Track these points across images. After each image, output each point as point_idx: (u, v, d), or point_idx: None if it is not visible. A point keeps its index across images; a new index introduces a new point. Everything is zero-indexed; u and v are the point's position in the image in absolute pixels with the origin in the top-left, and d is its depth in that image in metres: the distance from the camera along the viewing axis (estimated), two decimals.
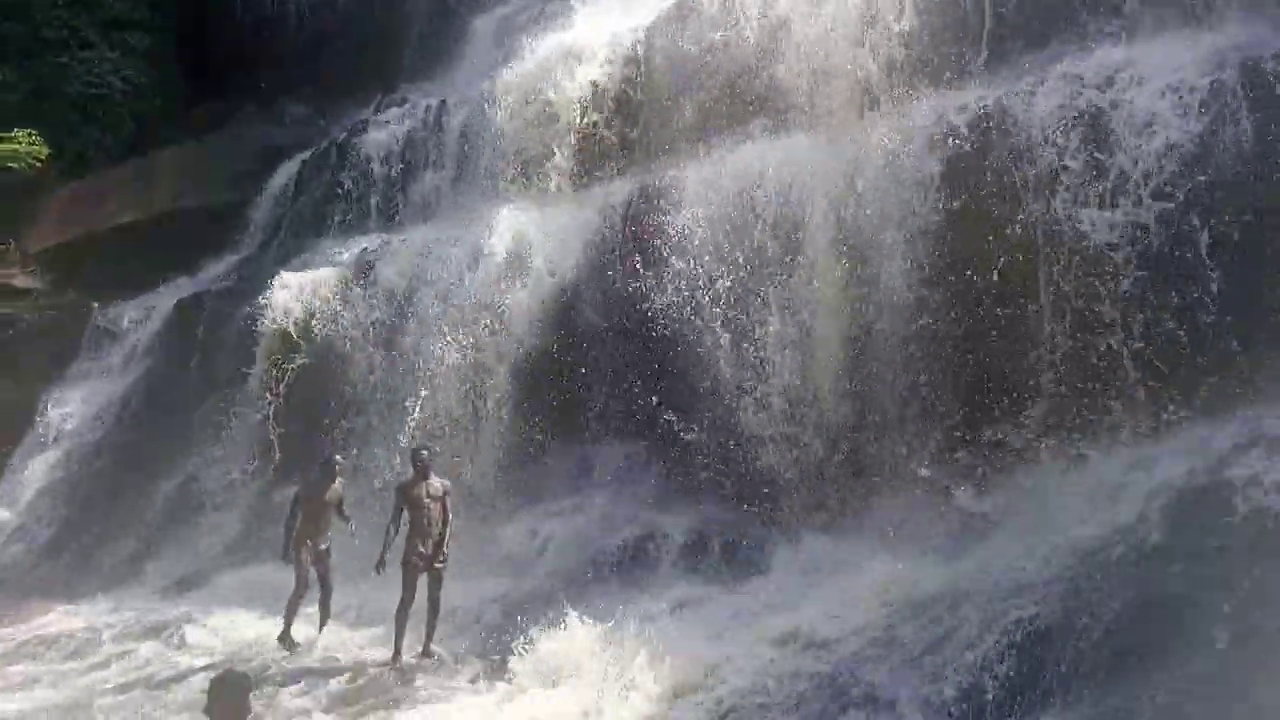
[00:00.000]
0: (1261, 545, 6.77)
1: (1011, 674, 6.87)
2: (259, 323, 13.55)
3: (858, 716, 7.01)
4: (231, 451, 13.60)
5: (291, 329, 13.55)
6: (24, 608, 12.04)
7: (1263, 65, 8.73)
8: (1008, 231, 9.41)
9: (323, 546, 9.61)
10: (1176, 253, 8.58)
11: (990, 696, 6.79)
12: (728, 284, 10.68)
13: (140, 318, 16.26)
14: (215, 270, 16.87)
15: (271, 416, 13.37)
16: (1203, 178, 8.58)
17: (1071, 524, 8.09)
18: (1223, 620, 6.37)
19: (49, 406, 15.79)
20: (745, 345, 10.53)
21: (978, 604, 7.61)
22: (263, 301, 13.65)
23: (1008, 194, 9.46)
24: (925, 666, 7.20)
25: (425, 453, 9.28)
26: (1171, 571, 6.97)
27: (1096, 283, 8.90)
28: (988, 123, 9.77)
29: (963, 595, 7.84)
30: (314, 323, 13.36)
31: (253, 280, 14.93)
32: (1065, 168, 9.17)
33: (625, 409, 11.35)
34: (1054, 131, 9.27)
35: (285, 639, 9.49)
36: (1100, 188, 9.05)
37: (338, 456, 10.02)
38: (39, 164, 17.99)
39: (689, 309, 10.91)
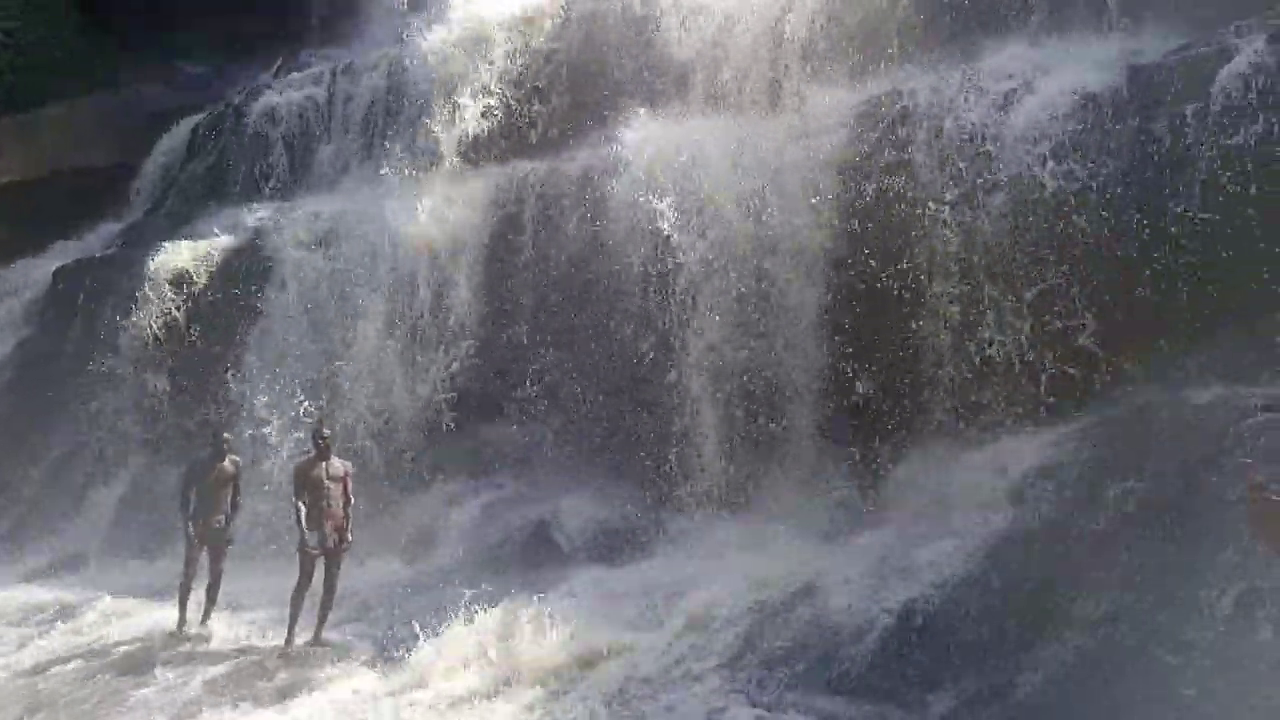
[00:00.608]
0: (1134, 530, 7.15)
1: (898, 656, 7.15)
2: (141, 292, 12.90)
3: (744, 694, 7.15)
4: (111, 426, 13.02)
5: (175, 300, 12.99)
6: None
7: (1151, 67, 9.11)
8: (910, 222, 9.62)
9: (215, 527, 9.27)
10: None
11: (875, 677, 7.02)
12: (638, 262, 10.63)
13: (17, 285, 15.35)
14: (98, 236, 16.02)
15: (155, 391, 12.83)
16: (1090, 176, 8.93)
17: (964, 506, 8.43)
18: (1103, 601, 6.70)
19: None
20: (653, 324, 10.55)
21: (867, 586, 7.86)
22: (147, 269, 13.01)
23: (911, 185, 9.67)
24: (815, 648, 7.39)
25: (326, 432, 8.97)
26: (1054, 554, 7.27)
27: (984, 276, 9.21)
28: (897, 112, 10.00)
29: (855, 576, 8.08)
30: (199, 293, 12.79)
31: (137, 247, 14.22)
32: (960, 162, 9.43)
33: (529, 389, 11.25)
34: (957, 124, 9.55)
35: (180, 625, 9.17)
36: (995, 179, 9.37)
37: (226, 434, 9.63)
38: None
39: (598, 288, 10.90)
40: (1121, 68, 9.29)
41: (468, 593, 8.24)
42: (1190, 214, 8.52)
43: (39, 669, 8.55)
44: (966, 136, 9.46)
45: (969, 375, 9.20)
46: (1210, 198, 8.47)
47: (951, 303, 9.32)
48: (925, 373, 9.45)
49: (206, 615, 9.30)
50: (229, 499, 9.35)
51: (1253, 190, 8.34)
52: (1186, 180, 8.59)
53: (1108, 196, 8.83)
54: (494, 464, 11.23)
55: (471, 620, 8.03)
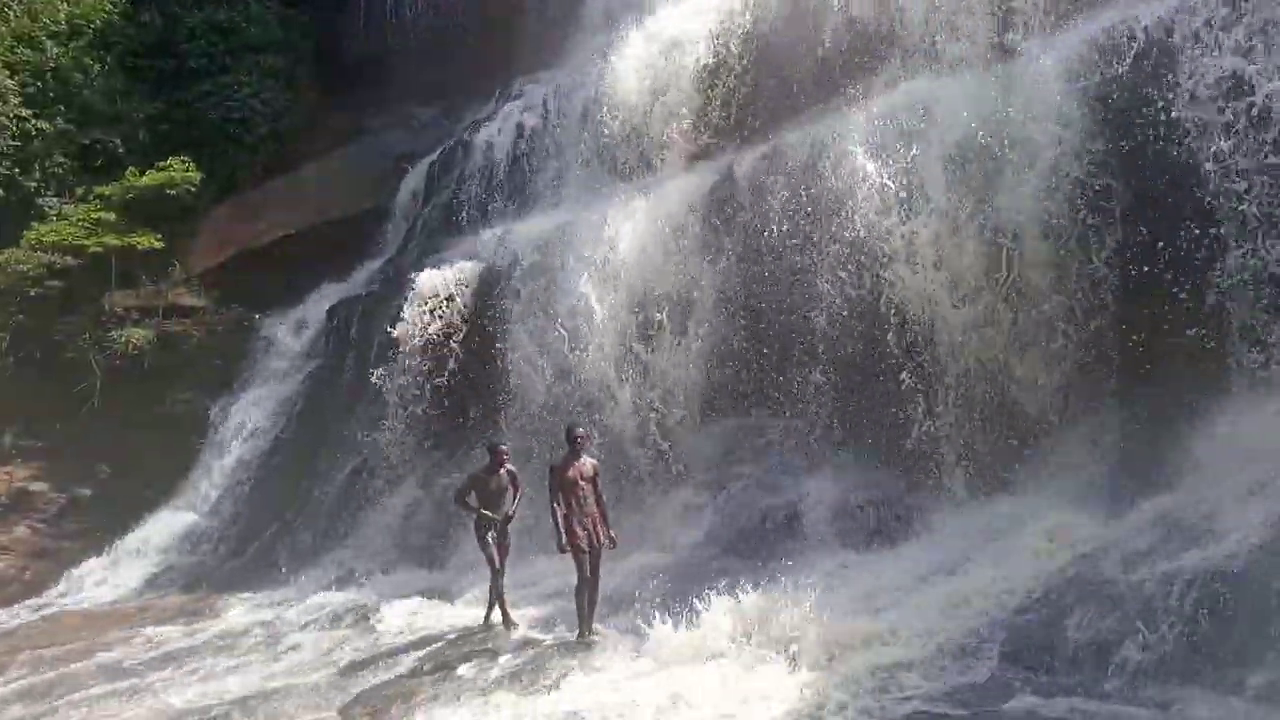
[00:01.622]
0: None
1: (1195, 633, 6.56)
2: (401, 321, 14.08)
3: (1027, 676, 6.82)
4: (393, 444, 14.23)
5: (431, 320, 14.07)
6: (214, 603, 12.96)
7: None
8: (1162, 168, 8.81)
9: (500, 530, 9.78)
10: None
11: (1170, 653, 6.50)
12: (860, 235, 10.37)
13: (298, 326, 17.22)
14: (361, 275, 17.70)
15: (427, 409, 13.94)
16: None
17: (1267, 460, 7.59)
18: None
19: (223, 415, 16.96)
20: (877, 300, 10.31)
21: (1158, 558, 7.25)
22: (405, 299, 14.20)
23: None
24: (1094, 628, 6.94)
25: (580, 431, 9.31)
26: None
27: None
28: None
29: (1143, 548, 7.48)
30: (450, 312, 13.77)
31: (395, 281, 15.56)
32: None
33: (774, 381, 11.29)
34: None
35: (487, 621, 9.88)
36: None
37: (503, 444, 10.19)
38: (193, 189, 19.30)
39: (841, 272, 10.68)
40: None
41: (723, 581, 8.41)
42: None
43: (356, 667, 9.48)
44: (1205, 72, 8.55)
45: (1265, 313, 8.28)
46: None
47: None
48: (1212, 315, 8.56)
49: (489, 609, 9.94)
50: (509, 504, 9.87)
51: None
52: None
53: None
54: (741, 455, 11.33)
55: (732, 603, 8.20)
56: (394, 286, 15.31)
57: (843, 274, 10.54)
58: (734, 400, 11.62)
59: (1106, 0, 9.87)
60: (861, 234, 10.29)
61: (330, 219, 19.17)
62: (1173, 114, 8.69)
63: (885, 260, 10.18)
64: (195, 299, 19.02)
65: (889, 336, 10.19)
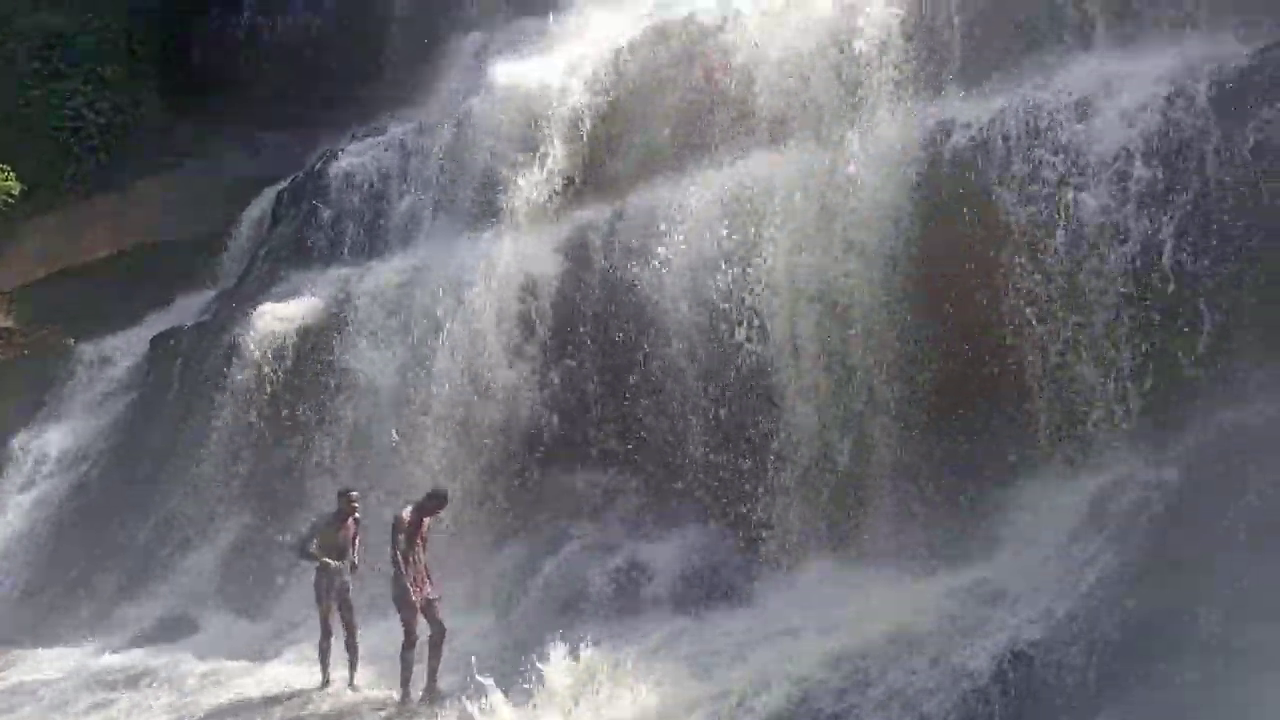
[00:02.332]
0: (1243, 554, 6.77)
1: (1006, 698, 6.86)
2: (236, 357, 13.37)
3: None
4: (211, 487, 13.42)
5: (269, 362, 13.41)
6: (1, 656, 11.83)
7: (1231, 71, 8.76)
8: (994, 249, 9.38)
9: (341, 582, 9.42)
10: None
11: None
12: (710, 297, 10.62)
13: (116, 355, 16.07)
14: (192, 304, 16.70)
15: (254, 449, 13.22)
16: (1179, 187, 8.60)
17: (1063, 537, 8.09)
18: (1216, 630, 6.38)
19: (26, 447, 15.60)
20: (726, 365, 10.51)
21: (965, 626, 7.62)
22: (239, 335, 13.50)
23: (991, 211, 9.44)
24: (916, 695, 7.16)
25: (444, 488, 9.30)
26: (1161, 583, 6.95)
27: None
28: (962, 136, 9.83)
29: (953, 614, 7.85)
30: (289, 355, 13.19)
31: (230, 313, 14.76)
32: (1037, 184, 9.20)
33: (608, 435, 11.26)
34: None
35: (325, 681, 9.39)
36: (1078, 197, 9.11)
37: (353, 492, 9.83)
38: (11, 199, 17.86)
39: (670, 329, 10.91)
40: (1202, 71, 8.95)
41: (554, 645, 8.24)
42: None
43: None
44: (1038, 159, 9.21)
45: (1067, 403, 8.90)
46: None
47: (1044, 329, 9.02)
48: (1022, 403, 9.15)
49: (352, 669, 9.40)
50: (352, 555, 9.51)
51: None
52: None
53: (1195, 207, 8.49)
54: (579, 511, 11.21)
55: (566, 667, 8.06)
56: (229, 318, 14.52)
57: (693, 334, 10.72)
58: (576, 454, 11.51)
59: (944, 94, 10.45)
60: (709, 297, 10.47)
61: (164, 240, 18.12)
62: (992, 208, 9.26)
63: (728, 325, 10.37)
64: (4, 318, 17.57)
65: (729, 398, 10.33)
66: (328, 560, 9.32)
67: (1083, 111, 9.29)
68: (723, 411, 10.53)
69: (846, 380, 10.06)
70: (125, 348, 16.27)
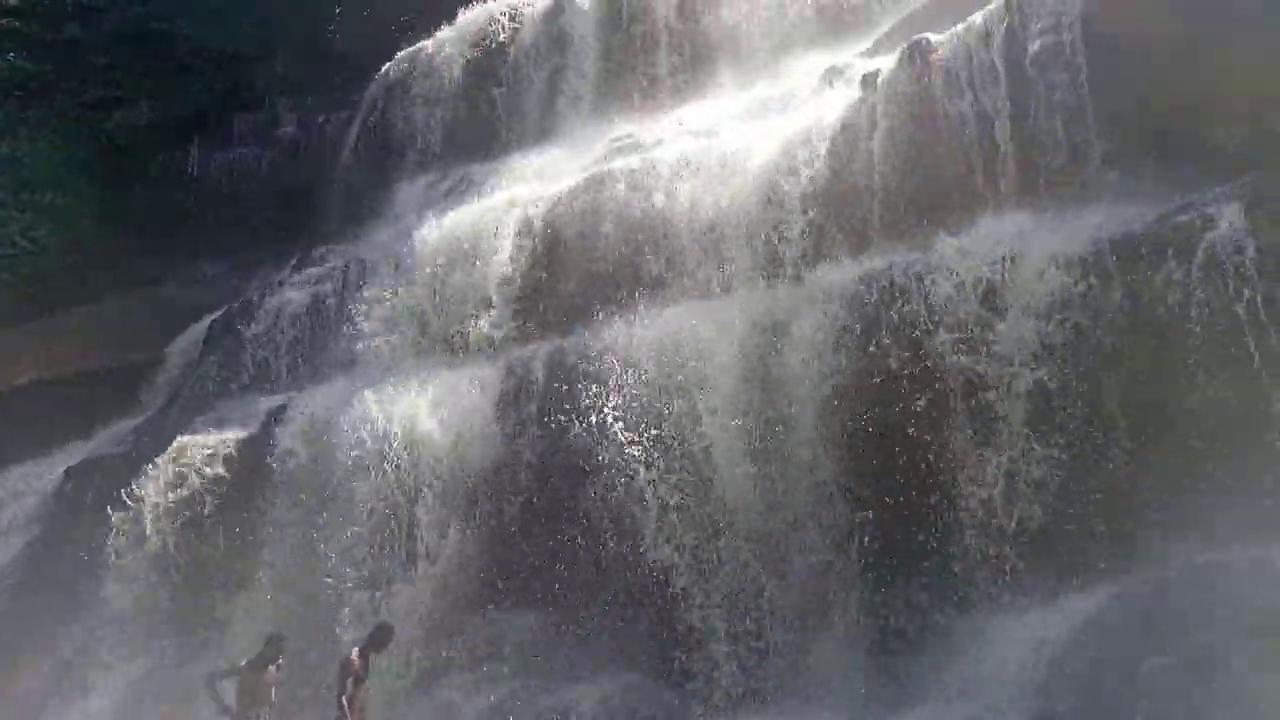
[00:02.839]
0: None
1: None
2: (153, 487, 12.96)
3: None
4: (117, 625, 12.76)
5: (188, 493, 13.01)
6: None
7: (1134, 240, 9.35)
8: (919, 392, 9.67)
9: None
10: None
11: None
12: (638, 447, 10.69)
13: (22, 488, 15.43)
14: (113, 432, 16.24)
15: (166, 588, 12.65)
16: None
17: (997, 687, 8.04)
18: None
19: None
20: (656, 508, 10.49)
21: None
22: (157, 465, 13.12)
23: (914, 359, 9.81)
24: None
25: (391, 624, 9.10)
26: None
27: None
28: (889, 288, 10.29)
29: None
30: (211, 490, 12.83)
31: (150, 444, 14.36)
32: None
33: (535, 576, 11.06)
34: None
35: None
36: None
37: (284, 635, 9.58)
38: None
39: (603, 472, 10.89)
40: (1102, 235, 9.55)
41: None
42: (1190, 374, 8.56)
43: None
44: (953, 311, 9.65)
45: (999, 544, 9.06)
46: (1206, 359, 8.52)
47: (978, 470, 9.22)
48: (954, 542, 9.28)
49: None
50: (269, 701, 9.20)
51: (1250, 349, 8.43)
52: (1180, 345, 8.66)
53: (1100, 365, 8.91)
54: (509, 654, 10.89)
55: None
56: (149, 447, 14.11)
57: (620, 481, 10.73)
58: (504, 595, 11.24)
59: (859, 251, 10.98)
60: (631, 451, 10.60)
61: (94, 368, 17.71)
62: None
63: (655, 474, 10.46)
64: None
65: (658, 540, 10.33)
66: (237, 709, 8.96)
67: (994, 267, 9.81)
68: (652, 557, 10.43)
69: (782, 527, 10.14)
70: (36, 478, 15.63)
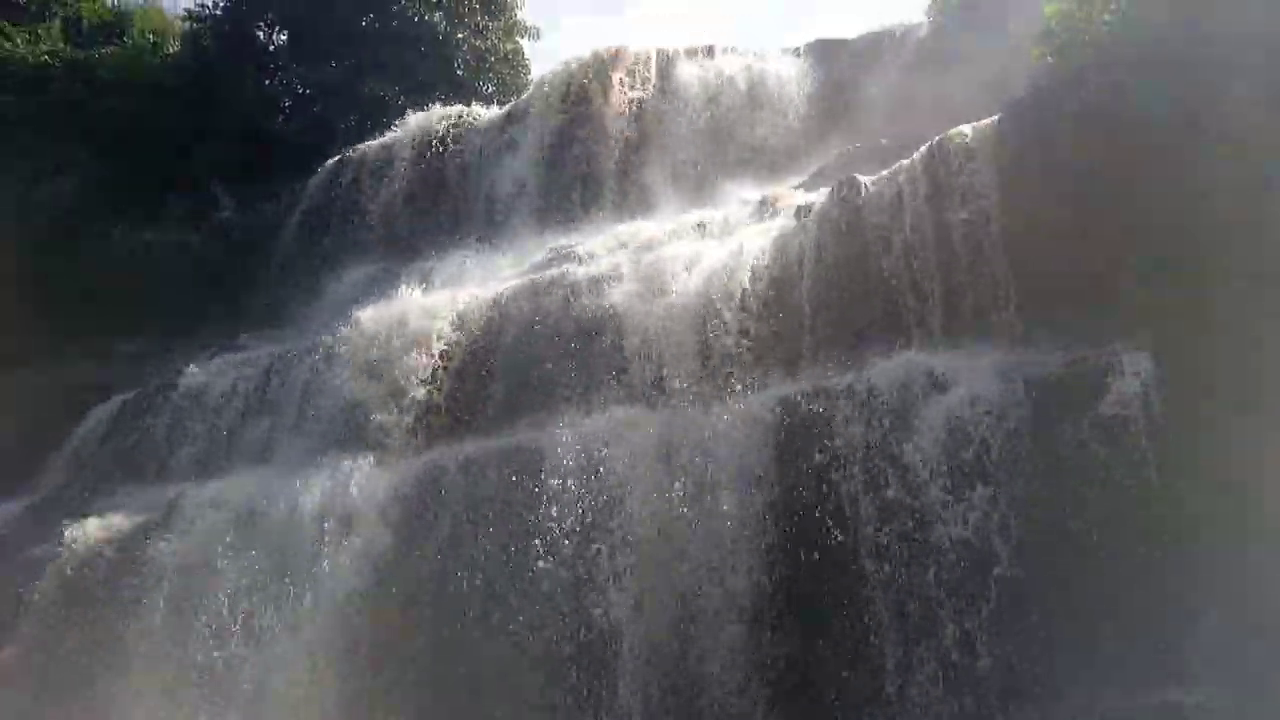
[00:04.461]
0: None
1: None
2: (36, 578, 12.21)
3: None
4: None
5: (77, 582, 12.27)
6: None
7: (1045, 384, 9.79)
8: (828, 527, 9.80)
9: None
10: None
11: None
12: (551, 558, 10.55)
13: None
14: (3, 513, 15.31)
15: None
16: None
17: None
18: None
19: None
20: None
21: None
22: (45, 551, 12.40)
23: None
24: None
25: None
26: None
27: None
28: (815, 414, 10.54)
29: None
30: (95, 581, 12.16)
31: (40, 525, 13.60)
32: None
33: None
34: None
35: None
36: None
37: None
38: None
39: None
40: (1017, 378, 9.97)
41: None
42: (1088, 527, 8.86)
43: None
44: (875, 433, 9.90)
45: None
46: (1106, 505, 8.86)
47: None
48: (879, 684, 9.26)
49: None
50: None
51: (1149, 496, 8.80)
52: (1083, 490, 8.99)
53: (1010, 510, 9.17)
54: None
55: None
56: (36, 532, 13.35)
57: (542, 588, 10.51)
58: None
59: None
60: (565, 554, 10.45)
61: None
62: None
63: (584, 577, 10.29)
64: None
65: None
66: None
67: (913, 397, 10.15)
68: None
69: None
70: None
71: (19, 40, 24.76)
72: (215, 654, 11.13)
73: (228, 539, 12.01)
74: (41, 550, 12.56)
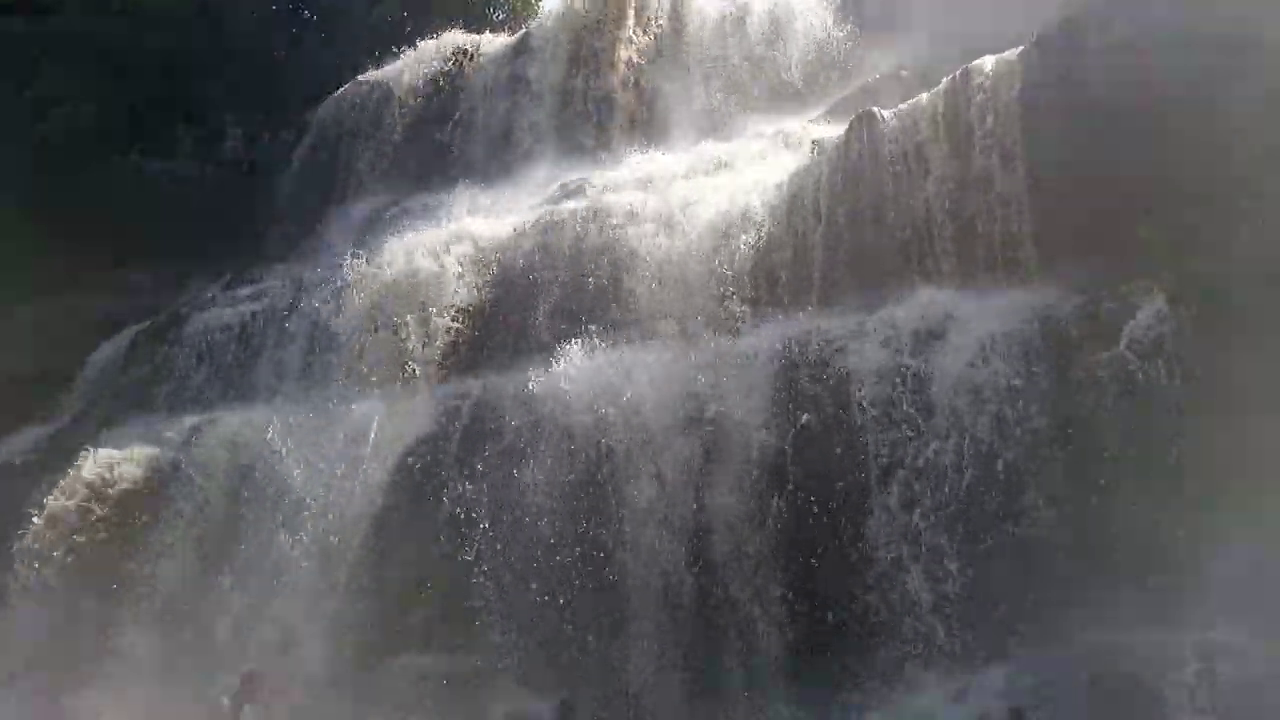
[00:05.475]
0: None
1: None
2: (54, 500, 12.38)
3: None
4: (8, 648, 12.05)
5: (95, 507, 12.46)
6: None
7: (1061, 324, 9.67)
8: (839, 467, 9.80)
9: None
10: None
11: None
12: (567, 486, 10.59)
13: None
14: (22, 440, 15.52)
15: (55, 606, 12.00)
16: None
17: None
18: None
19: None
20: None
21: None
22: (64, 477, 12.56)
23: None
24: None
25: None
26: None
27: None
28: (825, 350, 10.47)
29: None
30: (117, 506, 12.32)
31: (60, 454, 13.77)
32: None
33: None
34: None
35: None
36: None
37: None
38: None
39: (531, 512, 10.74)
40: (1034, 318, 9.86)
41: None
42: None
43: None
44: (890, 379, 9.83)
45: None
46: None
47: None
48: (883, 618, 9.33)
49: None
50: None
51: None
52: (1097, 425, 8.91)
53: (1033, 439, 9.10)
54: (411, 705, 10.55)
55: None
56: (57, 457, 13.53)
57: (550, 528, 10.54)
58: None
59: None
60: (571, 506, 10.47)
61: (6, 373, 16.85)
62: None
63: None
64: None
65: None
66: None
67: (926, 338, 10.06)
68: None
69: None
70: None
71: None
72: (236, 595, 11.24)
73: (232, 472, 12.10)
74: (66, 474, 12.67)
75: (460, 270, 13.69)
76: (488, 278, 13.64)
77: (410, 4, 23.91)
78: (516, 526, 10.72)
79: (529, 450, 11.02)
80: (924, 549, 9.33)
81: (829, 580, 9.73)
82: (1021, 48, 11.57)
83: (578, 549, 10.40)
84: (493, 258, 13.77)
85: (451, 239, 14.39)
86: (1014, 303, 10.21)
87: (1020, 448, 9.33)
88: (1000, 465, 9.27)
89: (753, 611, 9.92)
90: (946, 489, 9.43)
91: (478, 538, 10.87)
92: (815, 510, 9.93)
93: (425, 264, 14.03)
